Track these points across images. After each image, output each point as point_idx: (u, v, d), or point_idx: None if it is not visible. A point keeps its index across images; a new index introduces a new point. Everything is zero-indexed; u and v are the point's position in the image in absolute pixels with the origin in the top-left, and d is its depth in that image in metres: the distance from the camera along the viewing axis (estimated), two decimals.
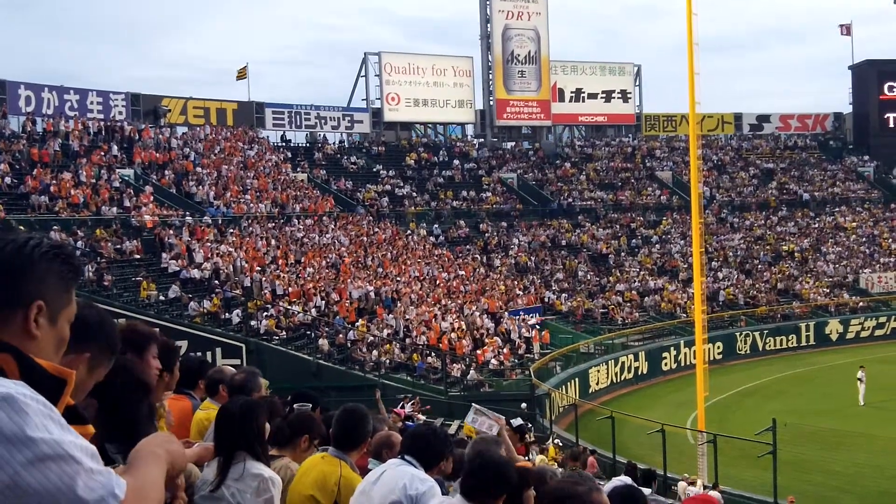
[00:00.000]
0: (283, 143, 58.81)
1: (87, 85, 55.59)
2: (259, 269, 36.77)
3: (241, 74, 59.39)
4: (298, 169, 54.34)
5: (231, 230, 40.64)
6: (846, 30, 73.58)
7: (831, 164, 72.77)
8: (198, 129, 52.05)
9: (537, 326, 41.58)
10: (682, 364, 43.14)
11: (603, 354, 42.09)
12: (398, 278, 41.51)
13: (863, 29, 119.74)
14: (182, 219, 39.24)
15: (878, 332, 52.58)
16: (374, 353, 33.90)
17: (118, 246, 35.11)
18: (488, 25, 65.36)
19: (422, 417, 22.85)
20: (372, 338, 34.86)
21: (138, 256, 35.55)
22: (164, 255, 35.95)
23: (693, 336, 32.57)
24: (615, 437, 26.39)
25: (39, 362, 1.86)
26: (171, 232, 37.47)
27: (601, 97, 70.14)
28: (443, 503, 4.66)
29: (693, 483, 21.31)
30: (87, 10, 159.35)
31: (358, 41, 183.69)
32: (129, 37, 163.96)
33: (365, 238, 46.46)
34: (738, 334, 48.77)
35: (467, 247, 52.60)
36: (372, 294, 38.12)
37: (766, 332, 49.85)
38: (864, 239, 62.70)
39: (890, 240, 62.44)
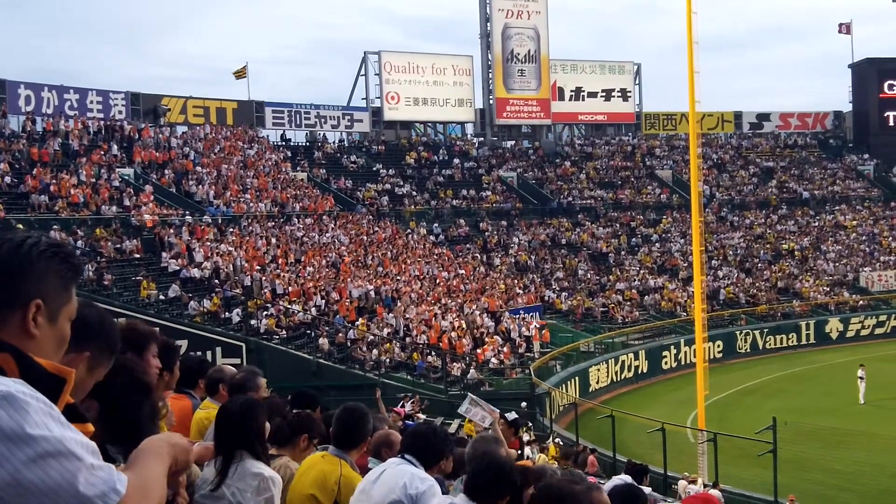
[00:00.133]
0: (283, 143, 58.82)
1: (86, 84, 55.57)
2: (259, 268, 36.77)
3: (241, 74, 59.40)
4: (298, 168, 54.35)
5: (231, 229, 40.64)
6: (846, 29, 73.59)
7: (831, 163, 72.79)
8: (197, 128, 52.04)
9: (538, 326, 41.57)
10: (683, 363, 43.16)
11: (603, 353, 42.08)
12: (398, 277, 41.51)
13: (862, 28, 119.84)
14: (182, 218, 39.24)
15: (879, 331, 52.62)
16: (375, 352, 33.91)
17: (118, 245, 35.11)
18: (488, 24, 65.36)
19: (422, 416, 22.88)
20: (372, 337, 34.86)
21: (138, 256, 35.55)
22: (164, 254, 35.95)
23: (693, 335, 32.58)
24: (615, 435, 26.41)
25: (39, 361, 1.86)
26: (171, 231, 37.47)
27: (601, 96, 70.14)
28: (444, 503, 4.66)
29: (693, 482, 21.32)
30: (87, 10, 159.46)
31: (358, 40, 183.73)
32: (128, 36, 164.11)
33: (365, 237, 46.46)
34: (738, 333, 48.78)
35: (467, 246, 52.61)
36: (372, 293, 38.12)
37: (766, 330, 49.87)
38: (864, 237, 62.72)
39: (890, 238, 62.46)
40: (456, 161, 61.97)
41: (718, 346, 45.55)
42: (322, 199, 49.82)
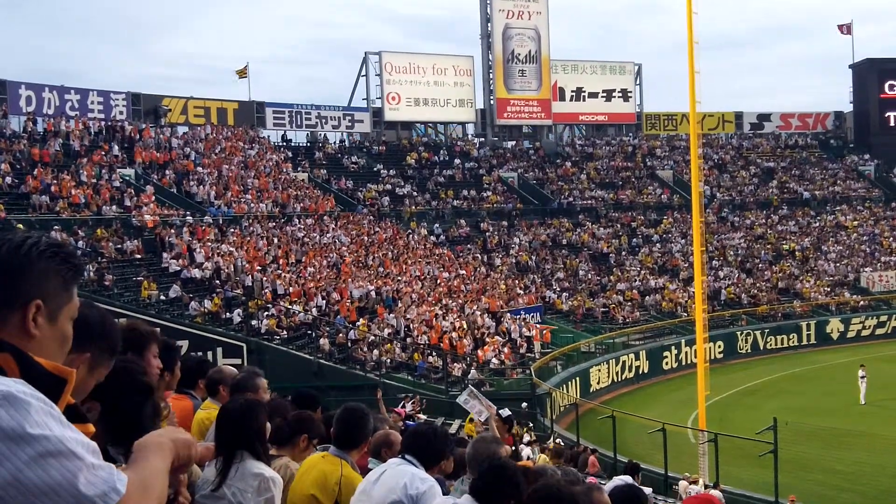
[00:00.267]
0: (284, 143, 58.84)
1: (87, 84, 55.69)
2: (260, 268, 36.78)
3: (242, 73, 59.43)
4: (299, 168, 54.37)
5: (232, 230, 40.65)
6: (846, 29, 73.58)
7: (832, 163, 72.78)
8: (198, 128, 52.06)
9: (538, 325, 41.62)
10: (683, 363, 43.16)
11: (604, 353, 42.08)
12: (399, 278, 41.51)
13: (863, 28, 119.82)
14: (183, 218, 39.25)
15: (880, 331, 52.61)
16: (375, 352, 33.91)
17: (119, 246, 35.12)
18: (489, 25, 65.37)
19: (422, 417, 22.88)
20: (373, 337, 34.87)
21: (139, 256, 35.56)
22: (164, 254, 35.96)
23: (694, 335, 32.56)
24: (616, 436, 26.41)
25: (39, 361, 1.86)
26: (172, 231, 37.48)
27: (602, 96, 70.15)
28: (448, 502, 4.66)
29: (695, 482, 21.31)
30: (88, 9, 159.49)
31: (358, 40, 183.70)
32: (129, 36, 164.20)
33: (366, 237, 46.47)
34: (738, 333, 48.78)
35: (468, 246, 52.61)
36: (373, 293, 38.12)
37: (766, 330, 49.86)
38: (864, 237, 62.70)
39: (891, 238, 62.45)
40: (457, 161, 61.98)
41: (719, 346, 45.54)
42: (323, 199, 49.84)
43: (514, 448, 12.04)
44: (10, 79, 46.47)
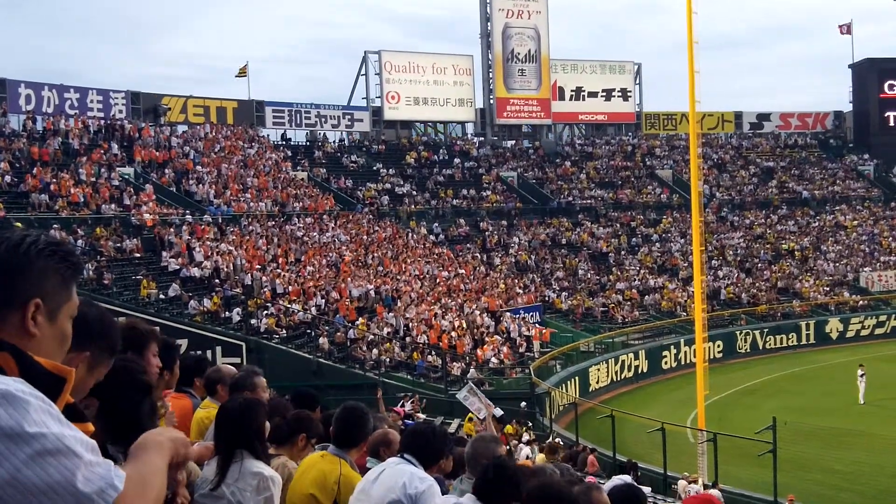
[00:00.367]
0: (284, 142, 58.82)
1: (87, 83, 55.62)
2: (259, 267, 36.78)
3: (242, 72, 59.42)
4: (298, 167, 54.35)
5: (231, 229, 40.64)
6: (846, 29, 73.58)
7: (831, 163, 72.80)
8: (198, 127, 52.04)
9: (538, 325, 41.65)
10: (683, 362, 43.17)
11: (603, 353, 42.08)
12: (398, 277, 41.52)
13: (863, 27, 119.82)
14: (182, 217, 39.24)
15: (879, 331, 52.62)
16: (375, 351, 33.92)
17: (118, 244, 35.11)
18: (488, 24, 65.37)
19: (422, 416, 22.89)
20: (372, 336, 34.87)
21: (138, 255, 35.55)
22: (164, 253, 35.95)
23: (693, 334, 32.58)
24: (615, 435, 26.40)
25: (38, 360, 1.86)
26: (171, 230, 37.47)
27: (601, 95, 70.15)
28: (451, 501, 4.66)
29: (694, 481, 21.32)
30: (88, 9, 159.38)
31: (358, 39, 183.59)
32: (129, 35, 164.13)
33: (365, 236, 46.47)
34: (738, 333, 48.78)
35: (467, 245, 52.61)
36: (372, 292, 38.12)
37: (766, 330, 49.87)
38: (864, 237, 62.72)
39: (890, 238, 62.46)
40: (456, 161, 61.98)
41: (718, 346, 45.54)
42: (322, 198, 49.83)
43: (507, 447, 12.09)
44: (9, 77, 46.44)
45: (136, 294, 32.78)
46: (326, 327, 34.61)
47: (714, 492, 18.31)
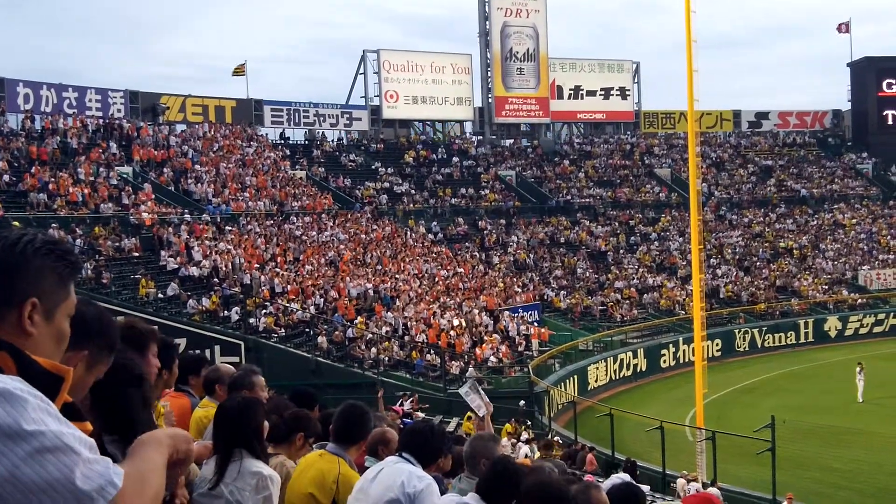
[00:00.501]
0: (282, 141, 58.78)
1: (85, 82, 55.65)
2: (258, 266, 36.77)
3: (239, 71, 59.42)
4: (297, 166, 54.34)
5: (230, 228, 40.63)
6: (845, 28, 73.60)
7: (830, 161, 72.82)
8: (196, 126, 52.00)
9: (536, 324, 41.65)
10: (681, 361, 43.17)
11: (602, 352, 42.10)
12: (397, 276, 41.50)
13: (861, 27, 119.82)
14: (181, 216, 39.23)
15: (877, 329, 52.66)
16: (373, 350, 33.92)
17: (117, 244, 35.09)
18: (487, 23, 65.34)
19: (420, 414, 22.89)
20: (371, 335, 34.87)
21: (137, 254, 35.52)
22: (162, 252, 35.93)
23: (692, 333, 32.58)
24: (614, 434, 26.40)
25: (36, 359, 1.86)
26: (170, 229, 37.44)
27: (600, 94, 70.14)
28: (454, 500, 4.67)
29: (693, 480, 21.33)
30: (87, 9, 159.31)
31: (356, 38, 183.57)
32: (128, 35, 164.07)
33: (364, 235, 46.45)
34: (736, 331, 48.81)
35: (466, 244, 52.62)
36: (371, 291, 38.12)
37: (764, 328, 49.89)
38: (862, 236, 62.75)
39: (888, 237, 62.49)
40: (455, 159, 61.97)
41: (717, 344, 45.56)
42: (321, 197, 49.82)
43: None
44: (8, 76, 46.40)
45: (134, 293, 32.76)
46: (325, 326, 34.61)
47: (713, 490, 18.32)
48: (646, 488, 11.98)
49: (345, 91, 65.29)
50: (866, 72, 74.05)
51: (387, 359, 33.85)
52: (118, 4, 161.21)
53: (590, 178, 64.46)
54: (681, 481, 21.15)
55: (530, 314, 43.12)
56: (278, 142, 58.22)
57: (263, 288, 35.22)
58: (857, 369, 36.02)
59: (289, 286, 35.93)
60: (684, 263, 53.15)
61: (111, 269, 33.34)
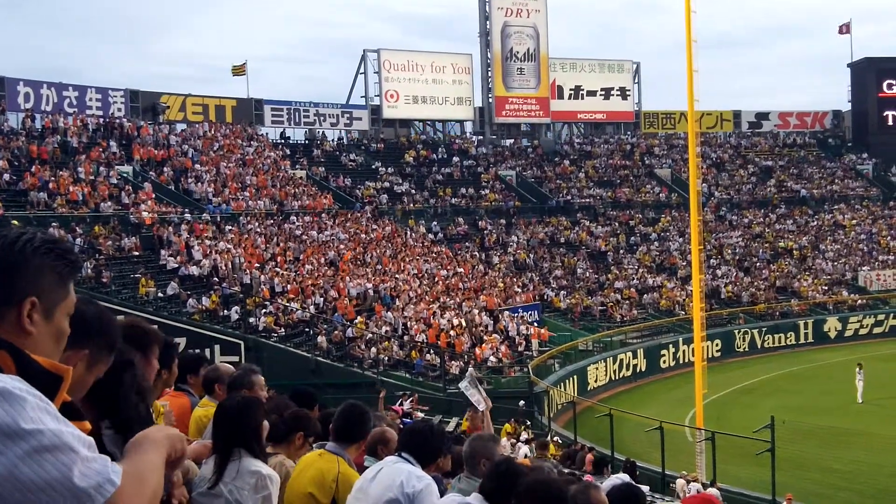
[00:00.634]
0: (282, 140, 58.76)
1: (86, 82, 55.68)
2: (258, 266, 36.77)
3: (239, 71, 59.40)
4: (297, 166, 54.32)
5: (230, 227, 40.62)
6: (845, 29, 73.60)
7: (830, 162, 72.81)
8: (196, 125, 51.99)
9: (535, 325, 41.65)
10: (681, 361, 43.16)
11: (601, 352, 42.09)
12: (397, 275, 41.50)
13: (862, 27, 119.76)
14: (181, 216, 39.23)
15: (877, 330, 52.65)
16: (373, 350, 33.91)
17: (117, 243, 35.10)
18: (487, 22, 65.33)
19: (420, 414, 22.89)
20: (370, 335, 34.87)
21: (137, 253, 35.53)
22: (162, 251, 35.93)
23: (691, 333, 32.58)
24: (613, 434, 26.39)
25: (35, 359, 1.86)
26: (170, 229, 37.44)
27: (600, 94, 70.13)
28: (456, 500, 4.67)
29: (695, 480, 21.33)
30: (88, 9, 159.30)
31: (357, 38, 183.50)
32: (128, 34, 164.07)
33: (364, 235, 46.44)
34: (736, 332, 48.79)
35: (466, 244, 52.61)
36: (371, 291, 38.12)
37: (764, 329, 49.87)
38: (862, 236, 62.75)
39: (889, 237, 62.49)
40: (455, 159, 61.97)
41: (717, 344, 45.55)
42: (321, 197, 49.81)
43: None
44: (8, 76, 46.39)
45: (134, 292, 32.76)
46: (325, 326, 34.60)
47: (712, 491, 18.33)
48: (645, 489, 11.97)
49: (345, 91, 65.39)
50: (866, 72, 74.04)
51: (386, 358, 33.85)
52: (118, 4, 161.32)
53: (590, 178, 64.45)
54: (680, 482, 21.15)
55: (530, 314, 43.11)
56: (278, 141, 58.20)
57: (263, 287, 35.23)
58: (857, 370, 36.01)
59: (289, 286, 35.93)
60: (684, 264, 53.14)
61: (111, 268, 33.34)
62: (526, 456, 18.79)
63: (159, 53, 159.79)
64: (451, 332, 36.04)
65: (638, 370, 42.41)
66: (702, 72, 29.43)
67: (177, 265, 35.22)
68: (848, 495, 24.08)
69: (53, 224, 33.18)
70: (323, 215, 47.17)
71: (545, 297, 47.92)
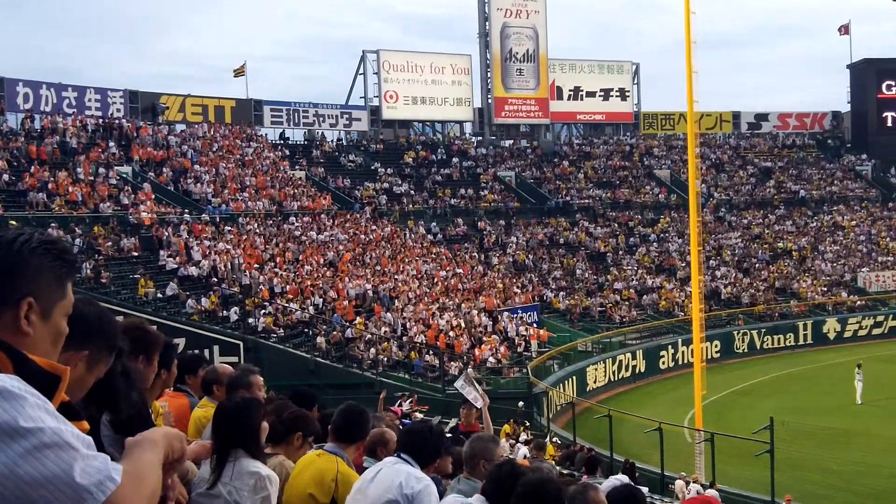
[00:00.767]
0: (282, 141, 58.77)
1: (85, 82, 55.65)
2: (257, 266, 36.76)
3: (239, 72, 59.40)
4: (296, 166, 54.32)
5: (229, 228, 40.61)
6: (845, 30, 73.62)
7: (829, 163, 72.83)
8: (196, 126, 51.98)
9: (534, 325, 41.65)
10: (680, 362, 43.16)
11: (601, 353, 42.09)
12: (396, 276, 41.50)
13: (861, 28, 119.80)
14: (180, 216, 39.22)
15: (876, 331, 52.65)
16: (372, 350, 33.91)
17: (116, 243, 35.08)
18: (487, 23, 65.34)
19: (419, 415, 22.88)
20: (370, 335, 34.86)
21: (136, 254, 35.51)
22: (161, 252, 35.93)
23: (691, 334, 32.59)
24: (612, 435, 26.40)
25: (33, 359, 1.86)
26: (169, 229, 37.44)
27: (599, 95, 70.15)
28: (457, 501, 4.67)
29: (693, 481, 21.32)
30: (87, 8, 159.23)
31: (357, 39, 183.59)
32: (128, 35, 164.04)
33: (363, 236, 46.43)
34: (735, 333, 48.78)
35: (465, 245, 52.60)
36: (370, 292, 38.11)
37: (763, 330, 49.86)
38: (861, 238, 62.76)
39: (888, 238, 62.51)
40: (454, 160, 61.97)
41: (716, 345, 45.54)
42: (320, 197, 49.81)
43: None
44: (7, 76, 46.39)
45: (133, 293, 32.75)
46: (324, 326, 34.60)
47: (711, 492, 18.33)
48: (644, 490, 11.97)
49: (344, 91, 65.40)
50: (866, 73, 74.06)
51: (386, 359, 33.84)
52: (118, 4, 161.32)
53: (589, 179, 64.45)
54: (679, 483, 21.16)
55: (529, 315, 43.11)
56: (278, 142, 58.21)
57: (262, 288, 35.22)
58: (856, 371, 36.02)
59: (288, 286, 35.93)
60: (683, 265, 53.13)
61: (110, 268, 33.33)
62: (525, 457, 18.78)
63: (159, 53, 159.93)
64: (451, 333, 36.04)
65: (637, 371, 42.41)
66: (701, 72, 29.51)
67: (176, 266, 35.22)
68: (847, 496, 24.09)
69: (52, 224, 33.17)
70: (322, 216, 47.16)
71: (544, 297, 47.92)
